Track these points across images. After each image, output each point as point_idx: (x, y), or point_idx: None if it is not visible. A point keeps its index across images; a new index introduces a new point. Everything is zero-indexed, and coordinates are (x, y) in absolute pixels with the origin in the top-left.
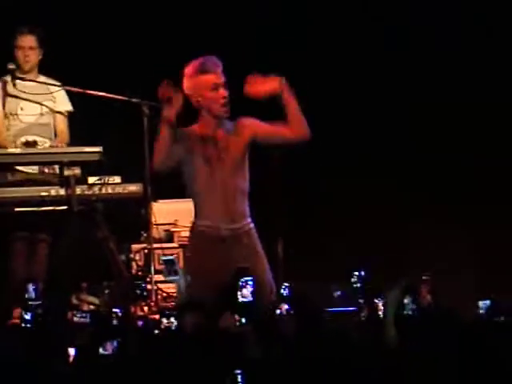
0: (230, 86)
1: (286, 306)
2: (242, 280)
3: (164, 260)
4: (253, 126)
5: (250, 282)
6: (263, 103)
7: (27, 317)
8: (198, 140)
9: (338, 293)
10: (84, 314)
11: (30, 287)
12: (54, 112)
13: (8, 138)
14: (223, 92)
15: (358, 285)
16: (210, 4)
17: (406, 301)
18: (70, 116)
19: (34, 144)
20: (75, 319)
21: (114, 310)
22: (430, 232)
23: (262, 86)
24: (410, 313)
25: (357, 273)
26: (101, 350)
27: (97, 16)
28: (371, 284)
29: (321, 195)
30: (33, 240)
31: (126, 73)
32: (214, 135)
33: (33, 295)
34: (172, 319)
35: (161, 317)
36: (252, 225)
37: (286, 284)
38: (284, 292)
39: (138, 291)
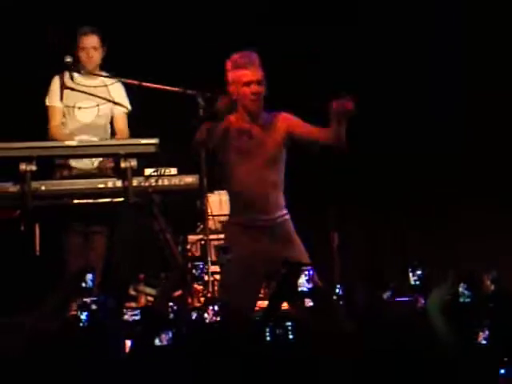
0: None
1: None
2: (299, 269)
3: (218, 247)
4: (290, 122)
5: (307, 271)
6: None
7: (83, 317)
8: (234, 132)
9: (388, 293)
10: (135, 312)
11: (89, 277)
12: (112, 112)
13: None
14: (254, 88)
15: (417, 282)
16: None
17: (460, 289)
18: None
19: None
20: (126, 317)
21: (170, 303)
22: (486, 225)
23: (347, 109)
24: (467, 300)
25: (416, 272)
26: (156, 342)
27: (150, 9)
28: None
29: (375, 192)
30: (89, 232)
31: (180, 65)
32: (250, 129)
33: (90, 285)
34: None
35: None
36: (288, 216)
37: (339, 285)
38: (338, 291)
39: (196, 272)
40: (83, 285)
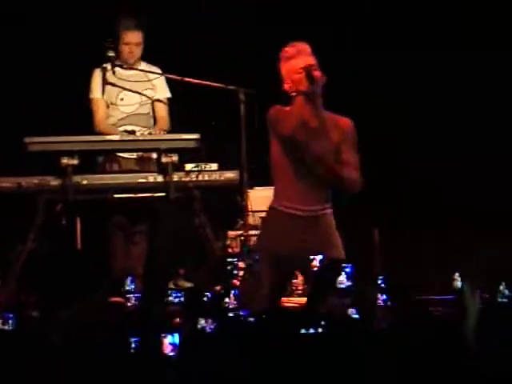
0: None
1: (383, 297)
2: (340, 267)
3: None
4: (350, 135)
5: (347, 269)
6: None
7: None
8: (293, 122)
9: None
10: (179, 294)
11: (128, 280)
12: (153, 100)
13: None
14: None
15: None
16: None
17: (501, 287)
18: (169, 103)
19: (132, 133)
20: (170, 298)
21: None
22: None
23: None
24: (504, 300)
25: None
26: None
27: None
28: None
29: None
30: (131, 230)
31: (223, 60)
32: (308, 120)
33: (131, 288)
34: None
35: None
36: (331, 209)
37: (382, 276)
38: (381, 283)
39: (230, 268)
40: (124, 287)
